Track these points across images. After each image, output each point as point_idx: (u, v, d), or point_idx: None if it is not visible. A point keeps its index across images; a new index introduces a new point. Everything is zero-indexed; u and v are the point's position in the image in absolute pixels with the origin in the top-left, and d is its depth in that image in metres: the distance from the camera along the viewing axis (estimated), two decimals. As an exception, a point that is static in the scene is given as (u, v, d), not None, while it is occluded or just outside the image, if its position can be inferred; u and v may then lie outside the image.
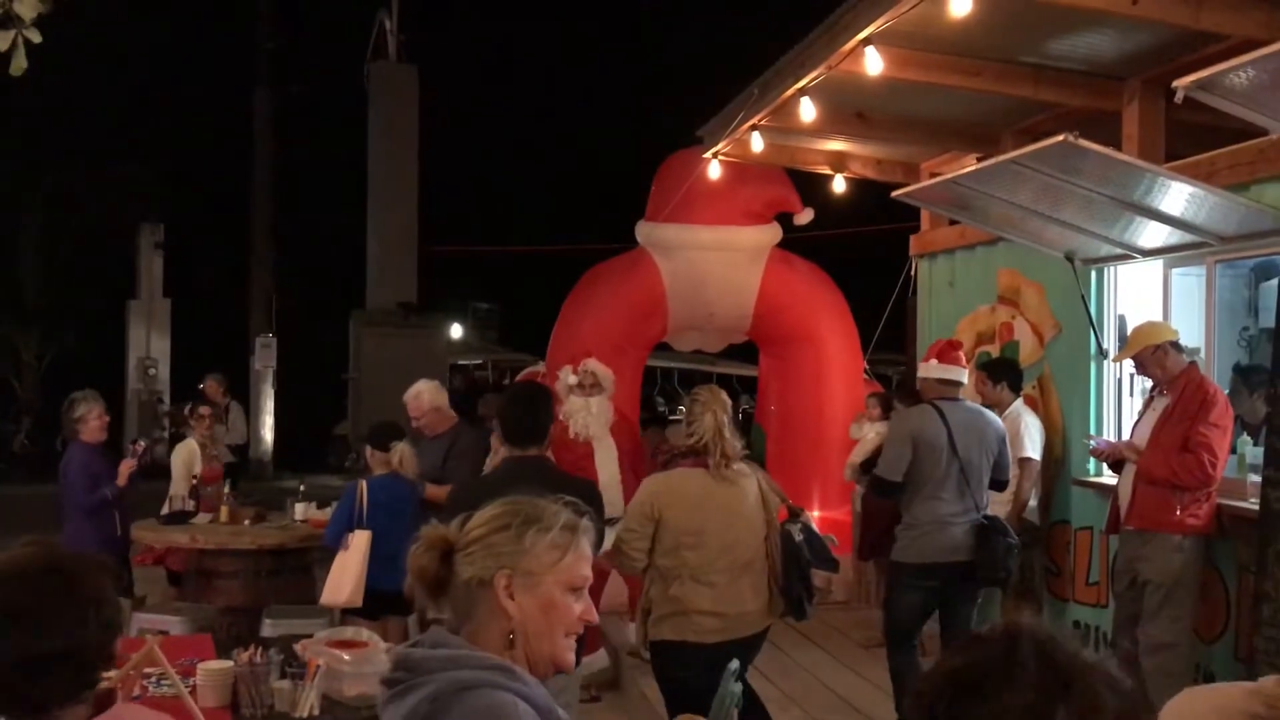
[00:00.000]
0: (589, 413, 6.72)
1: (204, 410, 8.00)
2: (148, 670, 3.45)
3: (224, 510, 6.82)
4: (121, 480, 6.51)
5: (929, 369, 5.61)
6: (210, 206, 22.81)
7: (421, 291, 15.29)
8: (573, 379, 6.88)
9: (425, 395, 6.61)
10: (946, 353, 5.62)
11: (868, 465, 6.87)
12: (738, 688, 1.54)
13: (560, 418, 6.70)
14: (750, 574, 4.43)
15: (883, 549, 7.06)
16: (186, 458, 7.54)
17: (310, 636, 3.99)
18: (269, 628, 5.57)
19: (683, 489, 4.41)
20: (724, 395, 4.61)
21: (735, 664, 1.60)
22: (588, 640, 6.02)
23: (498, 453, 5.54)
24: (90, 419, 6.59)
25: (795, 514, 4.66)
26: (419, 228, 13.86)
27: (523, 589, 1.92)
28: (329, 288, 21.31)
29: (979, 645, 1.14)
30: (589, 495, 3.66)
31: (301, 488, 7.25)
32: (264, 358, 19.58)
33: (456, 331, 22.51)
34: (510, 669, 1.86)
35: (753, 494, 4.49)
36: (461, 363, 20.03)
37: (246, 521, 6.81)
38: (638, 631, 4.63)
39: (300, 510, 6.84)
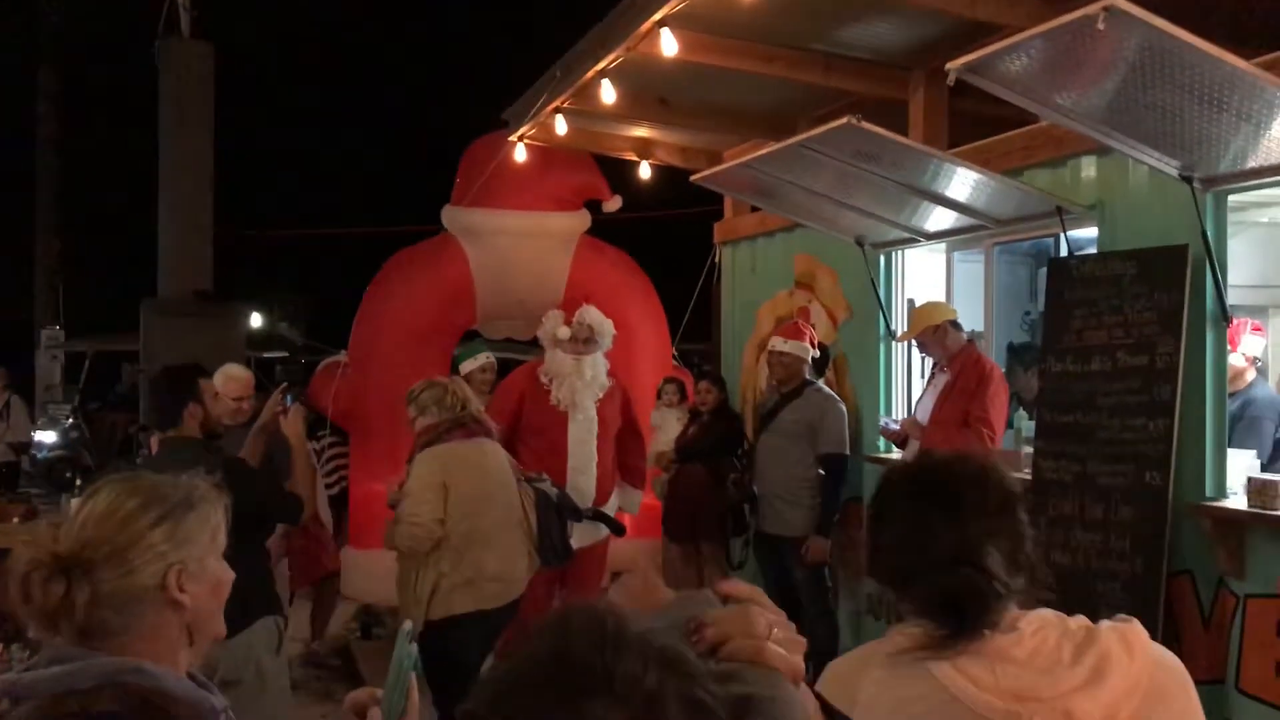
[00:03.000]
0: (579, 377, 5.76)
1: None
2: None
3: (-11, 508, 6.38)
4: None
5: (807, 350, 6.05)
6: (-11, 191, 21.40)
7: (225, 280, 14.66)
8: (564, 331, 5.84)
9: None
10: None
11: (688, 452, 6.87)
12: (414, 648, 1.48)
13: (540, 377, 5.97)
14: (519, 532, 4.66)
15: (695, 534, 7.02)
16: None
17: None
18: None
19: (464, 456, 4.56)
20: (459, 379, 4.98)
21: (409, 625, 1.54)
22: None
23: None
24: None
25: (535, 477, 4.93)
26: (217, 212, 13.26)
27: (192, 578, 1.76)
28: (121, 276, 20.24)
29: (532, 643, 0.92)
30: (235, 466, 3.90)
31: (78, 482, 6.83)
32: (51, 350, 18.43)
33: (257, 321, 21.68)
34: (139, 668, 1.65)
35: (506, 457, 4.74)
36: (266, 356, 19.28)
37: (16, 520, 6.37)
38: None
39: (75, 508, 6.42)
